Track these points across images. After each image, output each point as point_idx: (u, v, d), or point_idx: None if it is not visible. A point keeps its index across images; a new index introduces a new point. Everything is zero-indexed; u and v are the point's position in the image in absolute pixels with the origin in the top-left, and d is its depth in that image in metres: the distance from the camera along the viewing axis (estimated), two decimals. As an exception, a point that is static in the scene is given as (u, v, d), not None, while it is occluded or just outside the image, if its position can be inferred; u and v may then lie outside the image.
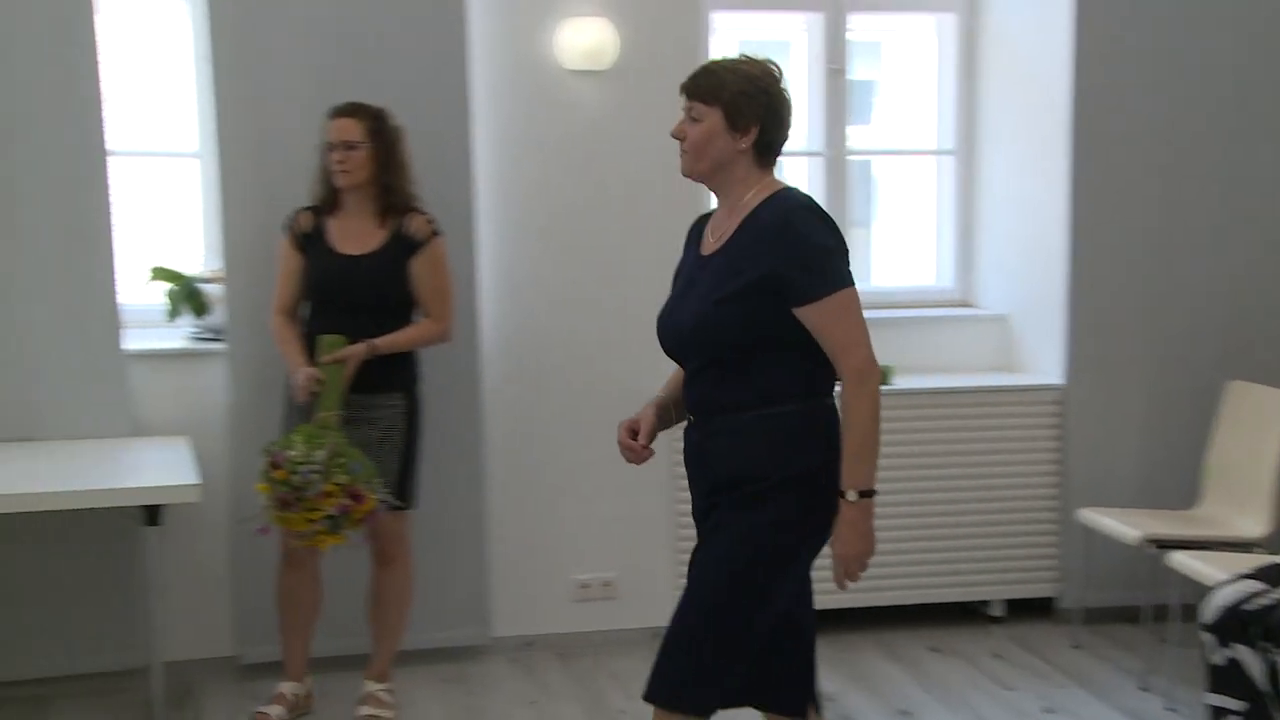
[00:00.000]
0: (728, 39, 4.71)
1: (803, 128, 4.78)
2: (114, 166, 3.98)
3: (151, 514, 3.55)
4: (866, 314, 2.63)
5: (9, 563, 4.01)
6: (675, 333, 2.73)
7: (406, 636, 4.02)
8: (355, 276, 3.71)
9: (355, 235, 3.75)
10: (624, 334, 4.32)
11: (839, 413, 2.66)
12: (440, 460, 4.08)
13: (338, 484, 3.37)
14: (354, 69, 4.02)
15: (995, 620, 4.72)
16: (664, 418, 2.85)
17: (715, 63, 2.71)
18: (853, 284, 2.61)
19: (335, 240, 3.75)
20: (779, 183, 2.71)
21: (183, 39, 4.27)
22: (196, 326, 4.27)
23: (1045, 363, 4.74)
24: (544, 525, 4.46)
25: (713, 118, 2.62)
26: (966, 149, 4.99)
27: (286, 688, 3.86)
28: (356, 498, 3.39)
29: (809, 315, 2.59)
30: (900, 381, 4.58)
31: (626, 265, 4.39)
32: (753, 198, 2.66)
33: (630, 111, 4.35)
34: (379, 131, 3.71)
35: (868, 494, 2.62)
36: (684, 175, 2.71)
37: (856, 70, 4.92)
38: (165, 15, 4.36)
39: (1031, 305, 4.82)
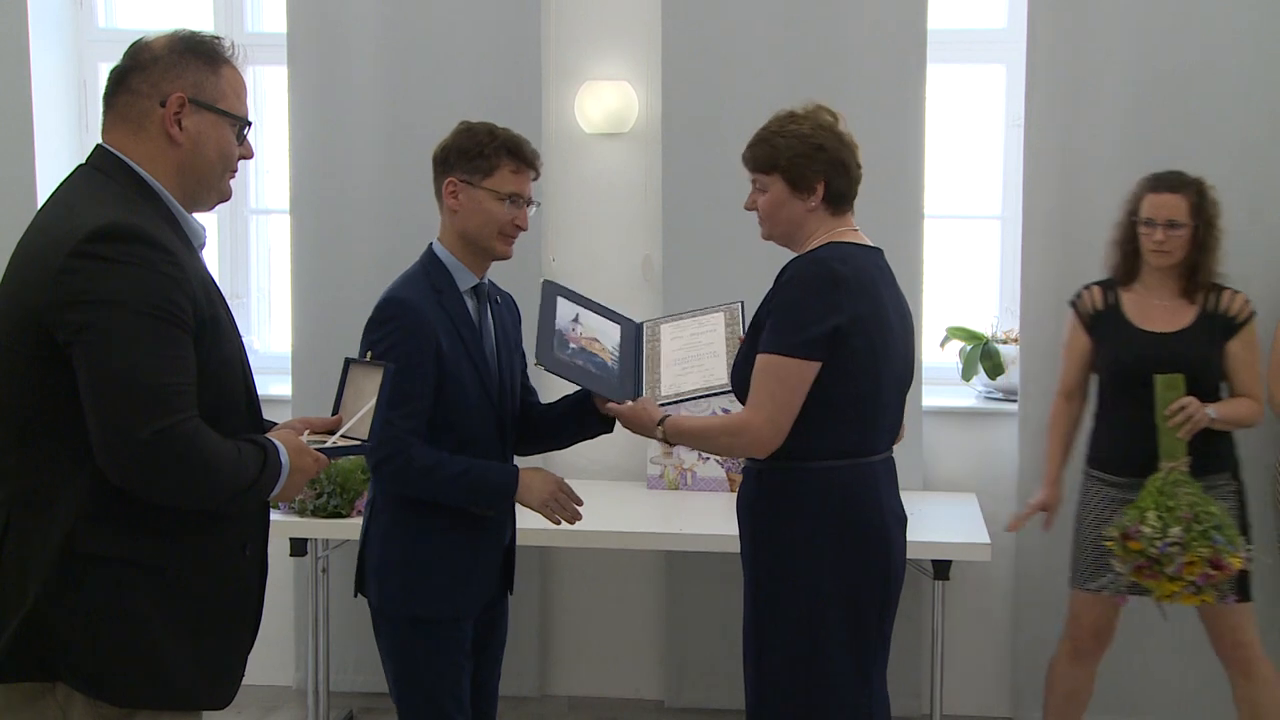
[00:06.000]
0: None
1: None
2: (928, 228, 4.14)
3: (941, 569, 3.64)
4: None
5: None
6: None
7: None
8: (1165, 355, 3.44)
9: (1158, 311, 3.51)
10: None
11: (869, 479, 2.61)
12: None
13: (1200, 555, 3.15)
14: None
15: None
16: None
17: (767, 129, 2.65)
18: (797, 355, 2.50)
19: (1134, 316, 3.53)
20: (843, 232, 2.66)
21: (996, 104, 4.37)
22: (988, 386, 4.30)
23: None
24: None
25: (776, 186, 2.62)
26: None
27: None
28: (1219, 567, 3.16)
29: None
30: None
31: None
32: (810, 245, 2.64)
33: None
34: (1201, 208, 3.46)
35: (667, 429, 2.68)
36: (764, 240, 2.72)
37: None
38: (978, 80, 4.48)
39: None
